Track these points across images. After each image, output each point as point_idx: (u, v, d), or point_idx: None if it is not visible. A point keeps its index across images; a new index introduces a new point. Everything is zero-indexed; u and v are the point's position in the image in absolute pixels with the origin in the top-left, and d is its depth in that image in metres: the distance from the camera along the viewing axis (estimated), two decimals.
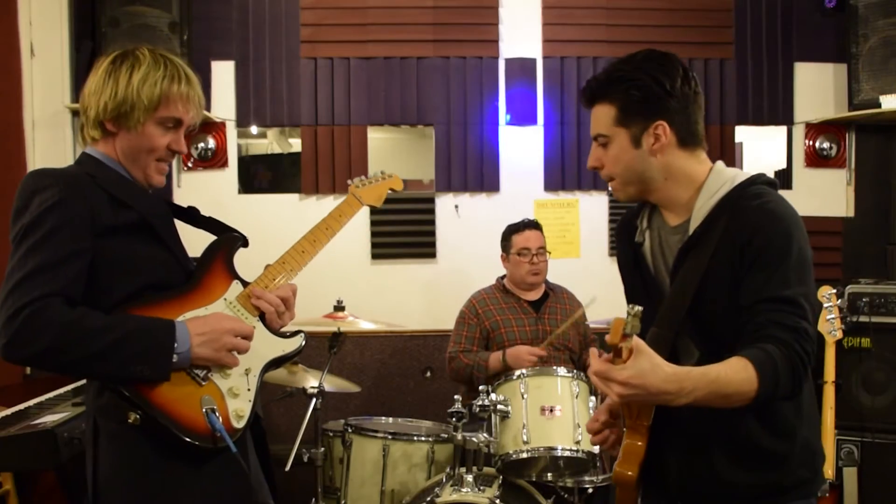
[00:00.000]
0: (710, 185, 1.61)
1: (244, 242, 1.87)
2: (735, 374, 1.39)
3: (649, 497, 1.72)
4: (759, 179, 1.61)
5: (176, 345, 1.58)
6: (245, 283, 1.80)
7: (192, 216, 1.90)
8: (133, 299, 1.63)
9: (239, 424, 1.67)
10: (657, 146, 1.61)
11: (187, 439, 1.58)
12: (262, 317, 1.78)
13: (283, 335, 1.81)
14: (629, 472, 1.57)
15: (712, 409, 1.44)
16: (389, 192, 2.24)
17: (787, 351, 1.42)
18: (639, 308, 1.30)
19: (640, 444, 1.56)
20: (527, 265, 3.40)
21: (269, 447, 1.88)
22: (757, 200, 1.55)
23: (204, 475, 1.64)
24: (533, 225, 3.48)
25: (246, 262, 1.86)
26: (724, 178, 1.61)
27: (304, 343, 1.82)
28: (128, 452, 1.61)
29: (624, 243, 1.81)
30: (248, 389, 1.71)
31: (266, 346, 1.76)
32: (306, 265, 1.89)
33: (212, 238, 1.86)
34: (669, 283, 1.63)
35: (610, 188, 1.66)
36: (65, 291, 1.53)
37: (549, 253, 3.47)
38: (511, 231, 3.49)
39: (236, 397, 1.68)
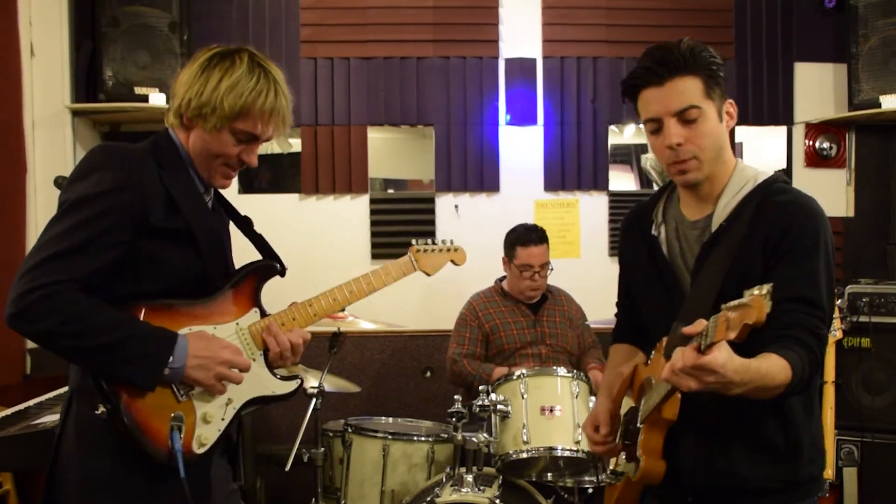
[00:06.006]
0: (735, 181, 1.65)
1: (282, 273, 1.86)
2: (778, 373, 1.44)
3: (657, 490, 1.71)
4: (780, 178, 1.66)
5: (171, 359, 1.57)
6: (264, 314, 1.79)
7: (245, 226, 1.91)
8: (146, 298, 1.62)
9: (199, 451, 1.65)
10: (732, 122, 1.66)
11: (143, 447, 1.57)
12: (266, 353, 1.77)
13: (281, 377, 1.80)
14: (659, 467, 1.61)
15: (731, 404, 1.47)
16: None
17: (810, 356, 1.48)
18: (770, 285, 1.25)
19: (659, 438, 1.61)
20: (527, 281, 3.38)
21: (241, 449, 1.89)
22: (786, 195, 1.61)
23: (159, 479, 1.61)
24: (539, 239, 3.38)
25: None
26: (747, 176, 1.66)
27: (295, 390, 1.81)
28: (91, 437, 1.61)
29: (635, 237, 1.80)
30: (222, 419, 1.69)
31: (257, 383, 1.74)
32: (329, 314, 1.89)
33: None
34: (690, 279, 1.65)
35: (675, 171, 1.63)
36: (86, 279, 1.53)
37: (552, 269, 3.43)
38: (516, 241, 3.39)
39: (207, 424, 1.66)
